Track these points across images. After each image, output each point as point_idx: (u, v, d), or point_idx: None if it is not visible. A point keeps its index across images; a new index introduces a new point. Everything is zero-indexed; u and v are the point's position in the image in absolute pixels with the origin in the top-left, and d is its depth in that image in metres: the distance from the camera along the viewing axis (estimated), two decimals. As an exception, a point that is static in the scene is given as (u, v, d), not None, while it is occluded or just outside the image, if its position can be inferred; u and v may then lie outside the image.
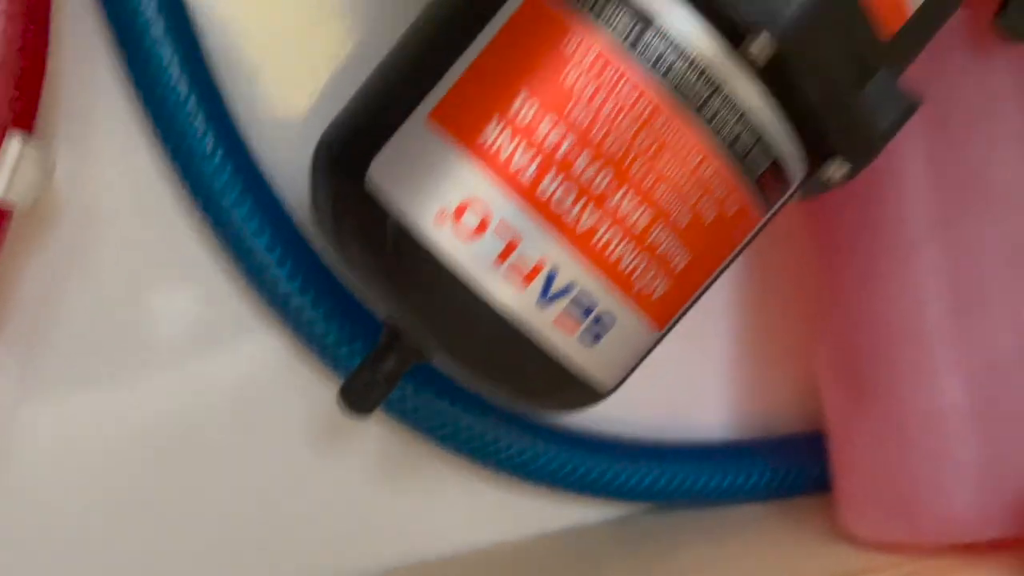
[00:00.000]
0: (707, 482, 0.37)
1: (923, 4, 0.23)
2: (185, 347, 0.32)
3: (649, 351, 0.26)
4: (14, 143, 0.24)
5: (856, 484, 0.33)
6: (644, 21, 0.22)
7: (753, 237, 0.25)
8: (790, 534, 0.35)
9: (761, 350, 0.39)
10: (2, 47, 0.24)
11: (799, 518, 0.36)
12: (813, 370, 0.36)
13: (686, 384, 0.38)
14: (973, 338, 0.30)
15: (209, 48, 0.30)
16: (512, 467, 0.34)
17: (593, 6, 0.22)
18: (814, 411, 0.36)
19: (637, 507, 0.38)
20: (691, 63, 0.22)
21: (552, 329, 0.23)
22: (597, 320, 0.23)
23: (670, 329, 0.26)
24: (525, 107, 0.22)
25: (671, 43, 0.22)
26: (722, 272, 0.26)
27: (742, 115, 0.22)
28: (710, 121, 0.22)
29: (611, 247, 0.22)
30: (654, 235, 0.23)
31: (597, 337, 0.23)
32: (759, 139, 0.23)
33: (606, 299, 0.23)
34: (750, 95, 0.22)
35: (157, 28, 0.28)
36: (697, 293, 0.25)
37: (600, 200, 0.22)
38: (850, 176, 0.25)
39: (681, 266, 0.24)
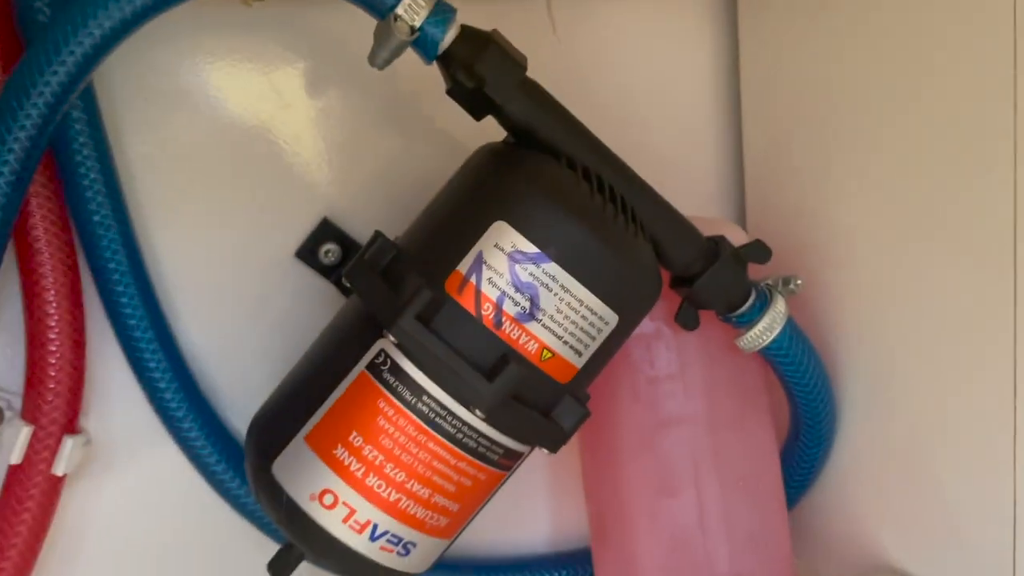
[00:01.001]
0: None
1: (583, 366, 0.41)
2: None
3: (446, 548, 0.44)
4: (68, 442, 0.42)
5: (604, 596, 0.52)
6: (416, 391, 0.39)
7: (504, 482, 0.43)
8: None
9: (567, 488, 0.58)
10: (67, 384, 0.42)
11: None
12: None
13: (510, 511, 0.57)
14: (662, 514, 0.49)
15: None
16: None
17: (394, 386, 0.39)
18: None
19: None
20: (448, 412, 0.39)
21: (379, 553, 0.41)
22: (405, 545, 0.41)
23: (458, 535, 0.44)
24: (356, 437, 0.39)
25: (437, 404, 0.39)
26: (487, 503, 0.43)
27: (479, 433, 0.40)
28: (459, 441, 0.40)
29: (411, 509, 0.40)
30: (436, 499, 0.41)
31: (407, 551, 0.41)
32: (492, 444, 0.41)
33: (410, 534, 0.41)
34: (483, 426, 0.40)
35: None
36: (472, 516, 0.43)
37: (400, 486, 0.40)
38: (553, 452, 0.42)
39: (455, 509, 0.42)
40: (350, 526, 0.40)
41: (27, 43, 0.42)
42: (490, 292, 0.39)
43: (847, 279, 0.52)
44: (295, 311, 0.51)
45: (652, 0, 0.56)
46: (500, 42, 0.41)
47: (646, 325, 0.49)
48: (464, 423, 0.40)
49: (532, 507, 0.58)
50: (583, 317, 0.40)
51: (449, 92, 0.42)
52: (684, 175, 0.58)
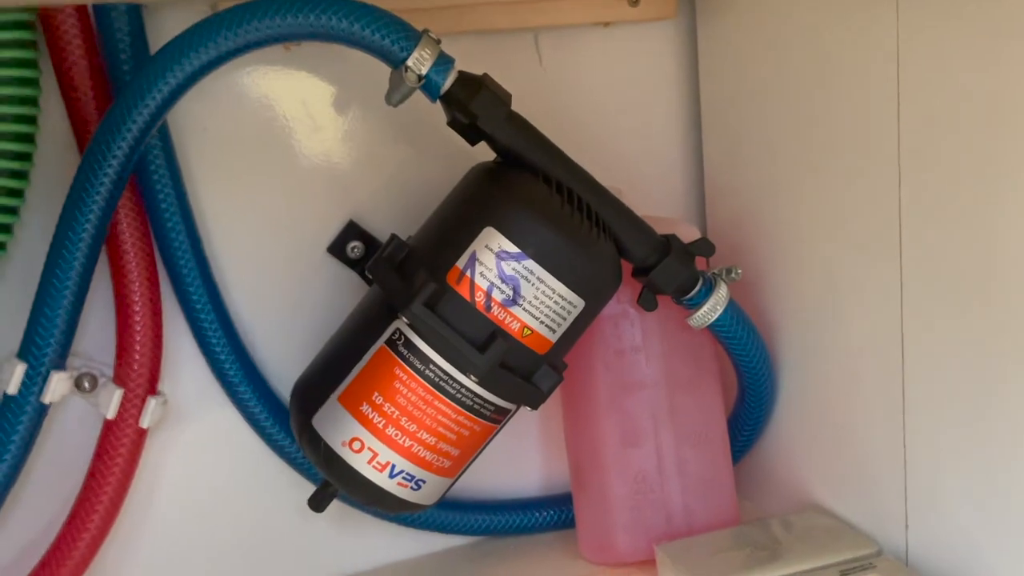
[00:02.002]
0: (520, 522, 0.67)
1: (557, 341, 0.52)
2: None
3: (452, 485, 0.55)
4: (151, 401, 0.53)
5: (582, 530, 0.63)
6: (425, 361, 0.50)
7: (498, 432, 0.54)
8: (558, 551, 0.65)
9: (554, 442, 0.69)
10: (149, 355, 0.53)
11: (566, 542, 0.66)
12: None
13: (508, 464, 0.68)
14: (628, 461, 0.60)
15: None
16: (407, 522, 0.64)
17: (407, 357, 0.50)
18: (578, 482, 0.66)
19: (480, 538, 0.68)
20: (449, 377, 0.50)
21: (396, 487, 0.52)
22: (417, 482, 0.52)
23: (461, 474, 0.55)
24: (378, 396, 0.50)
25: (441, 371, 0.50)
26: (486, 447, 0.54)
27: (474, 394, 0.51)
28: (458, 400, 0.51)
29: (421, 453, 0.51)
30: (440, 446, 0.52)
31: (419, 487, 0.53)
32: (485, 402, 0.51)
33: (420, 472, 0.52)
34: (478, 388, 0.51)
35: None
36: (471, 460, 0.54)
37: (412, 435, 0.51)
38: (534, 409, 0.53)
39: (456, 454, 0.53)
40: (373, 466, 0.51)
41: (115, 93, 0.53)
42: (482, 283, 0.50)
43: (783, 269, 0.62)
44: (326, 297, 0.62)
45: (623, 29, 0.67)
46: (489, 84, 0.51)
47: (614, 307, 0.60)
48: (462, 385, 0.51)
49: (525, 459, 0.70)
50: (556, 302, 0.51)
51: (449, 124, 0.53)
52: (652, 181, 0.69)
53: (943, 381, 0.51)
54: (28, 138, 0.51)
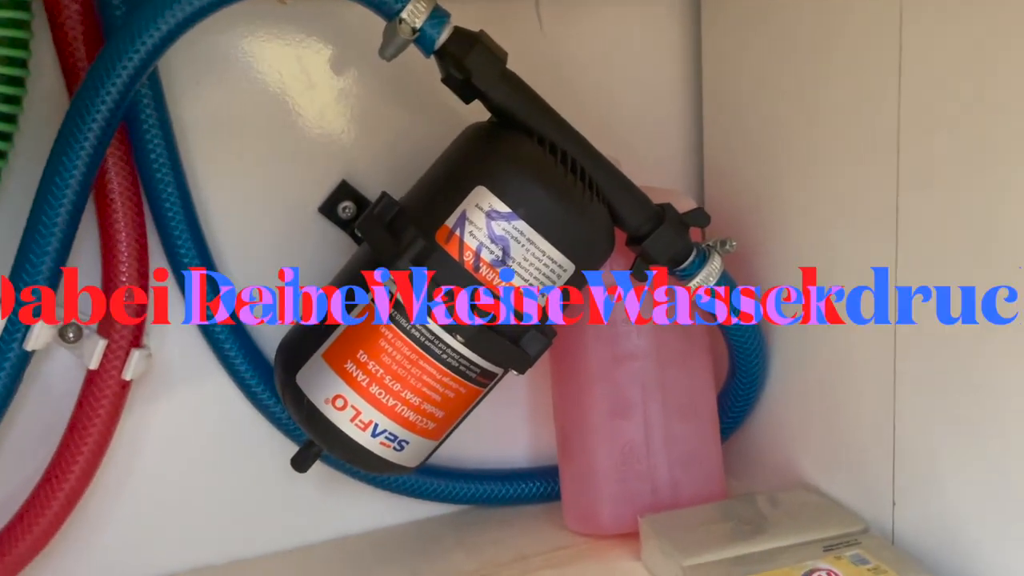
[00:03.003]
0: (505, 492, 0.66)
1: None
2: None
3: (435, 449, 0.54)
4: (135, 354, 0.53)
5: (567, 501, 0.63)
6: (413, 326, 0.49)
7: (484, 396, 0.54)
8: (543, 522, 0.65)
9: (543, 414, 0.68)
10: (134, 307, 0.53)
11: (551, 514, 0.65)
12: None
13: (496, 434, 0.67)
14: (615, 432, 0.59)
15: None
16: (391, 487, 0.64)
17: (394, 315, 0.49)
18: (566, 454, 0.66)
19: (464, 507, 0.67)
20: (436, 338, 0.49)
21: (379, 447, 0.51)
22: (400, 443, 0.52)
23: (446, 438, 0.54)
24: (363, 354, 0.50)
25: (427, 331, 0.49)
26: (471, 411, 0.54)
27: (460, 355, 0.50)
28: (444, 360, 0.50)
29: (404, 413, 0.51)
30: (425, 407, 0.51)
31: (402, 447, 0.52)
32: (471, 364, 0.51)
33: (404, 433, 0.51)
34: (464, 350, 0.50)
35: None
36: (456, 423, 0.54)
37: (396, 394, 0.50)
38: (521, 373, 0.52)
39: (440, 416, 0.52)
40: (356, 424, 0.51)
41: (106, 37, 0.53)
42: (471, 242, 0.49)
43: (778, 245, 0.62)
44: (315, 257, 0.61)
45: (626, -2, 0.66)
46: (485, 41, 0.51)
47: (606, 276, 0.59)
48: (448, 346, 0.50)
49: (513, 429, 0.69)
50: (545, 265, 0.50)
51: (443, 81, 0.52)
52: (650, 153, 0.68)
53: (934, 361, 0.50)
54: (18, 82, 0.50)
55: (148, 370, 0.56)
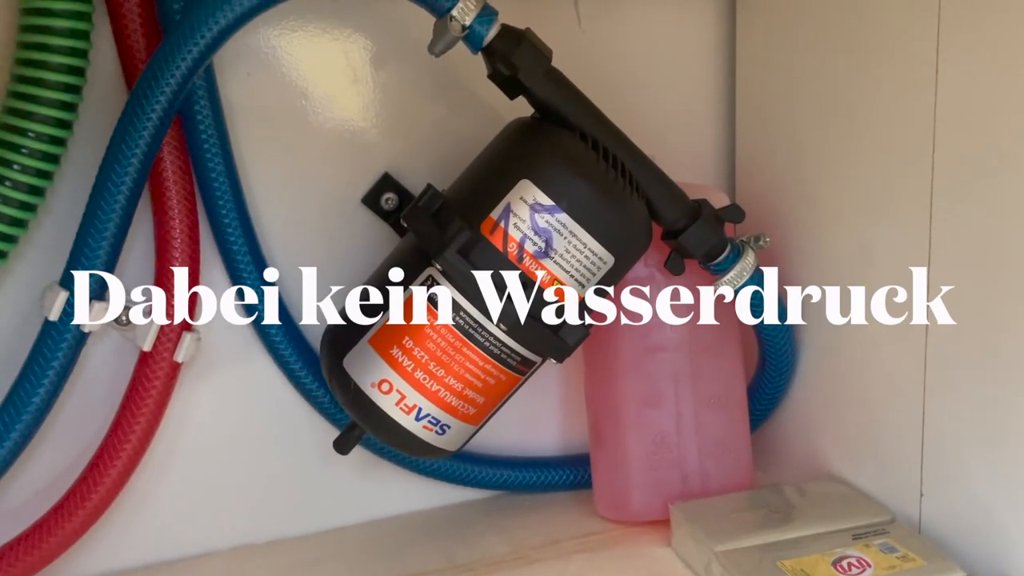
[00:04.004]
0: (536, 479, 0.68)
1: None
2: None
3: (475, 433, 0.56)
4: (186, 337, 0.55)
5: (598, 488, 0.64)
6: (455, 308, 0.51)
7: (522, 384, 0.55)
8: (573, 508, 0.66)
9: (574, 405, 0.70)
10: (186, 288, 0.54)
11: (581, 501, 0.67)
12: (595, 421, 0.67)
13: (528, 423, 0.69)
14: (647, 421, 0.61)
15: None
16: (426, 471, 0.65)
17: (436, 301, 0.51)
18: (596, 442, 0.67)
19: (496, 493, 0.69)
20: (479, 325, 0.51)
21: (421, 431, 0.53)
22: (442, 427, 0.53)
23: (484, 423, 0.56)
24: (408, 341, 0.51)
25: (471, 319, 0.51)
26: (509, 398, 0.55)
27: (502, 343, 0.52)
28: (486, 348, 0.52)
29: (447, 398, 0.52)
30: (466, 392, 0.53)
31: (444, 431, 0.54)
32: (512, 352, 0.52)
33: (446, 417, 0.53)
34: (506, 338, 0.52)
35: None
36: (495, 409, 0.55)
37: (439, 380, 0.52)
38: (559, 361, 0.54)
39: (481, 402, 0.54)
40: (401, 408, 0.52)
41: (164, 28, 0.54)
42: (515, 234, 0.51)
43: (809, 241, 0.63)
44: (357, 247, 0.63)
45: (663, -4, 0.67)
46: (531, 39, 0.52)
47: (641, 270, 0.60)
48: (491, 334, 0.52)
49: (545, 418, 0.71)
50: (586, 256, 0.52)
51: (490, 76, 0.54)
52: (684, 149, 0.70)
53: (966, 355, 0.52)
54: (78, 71, 0.52)
55: (197, 353, 0.58)
